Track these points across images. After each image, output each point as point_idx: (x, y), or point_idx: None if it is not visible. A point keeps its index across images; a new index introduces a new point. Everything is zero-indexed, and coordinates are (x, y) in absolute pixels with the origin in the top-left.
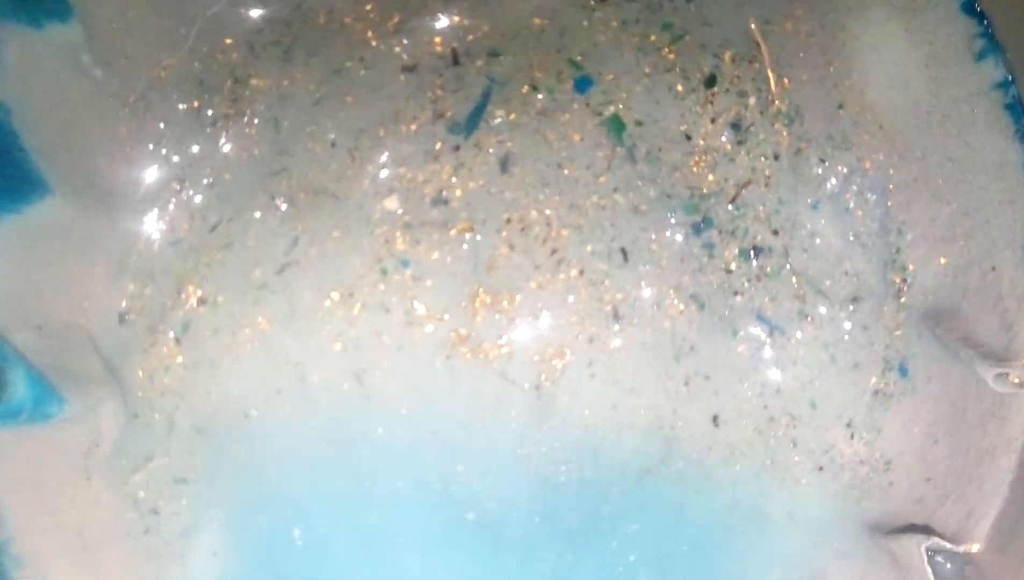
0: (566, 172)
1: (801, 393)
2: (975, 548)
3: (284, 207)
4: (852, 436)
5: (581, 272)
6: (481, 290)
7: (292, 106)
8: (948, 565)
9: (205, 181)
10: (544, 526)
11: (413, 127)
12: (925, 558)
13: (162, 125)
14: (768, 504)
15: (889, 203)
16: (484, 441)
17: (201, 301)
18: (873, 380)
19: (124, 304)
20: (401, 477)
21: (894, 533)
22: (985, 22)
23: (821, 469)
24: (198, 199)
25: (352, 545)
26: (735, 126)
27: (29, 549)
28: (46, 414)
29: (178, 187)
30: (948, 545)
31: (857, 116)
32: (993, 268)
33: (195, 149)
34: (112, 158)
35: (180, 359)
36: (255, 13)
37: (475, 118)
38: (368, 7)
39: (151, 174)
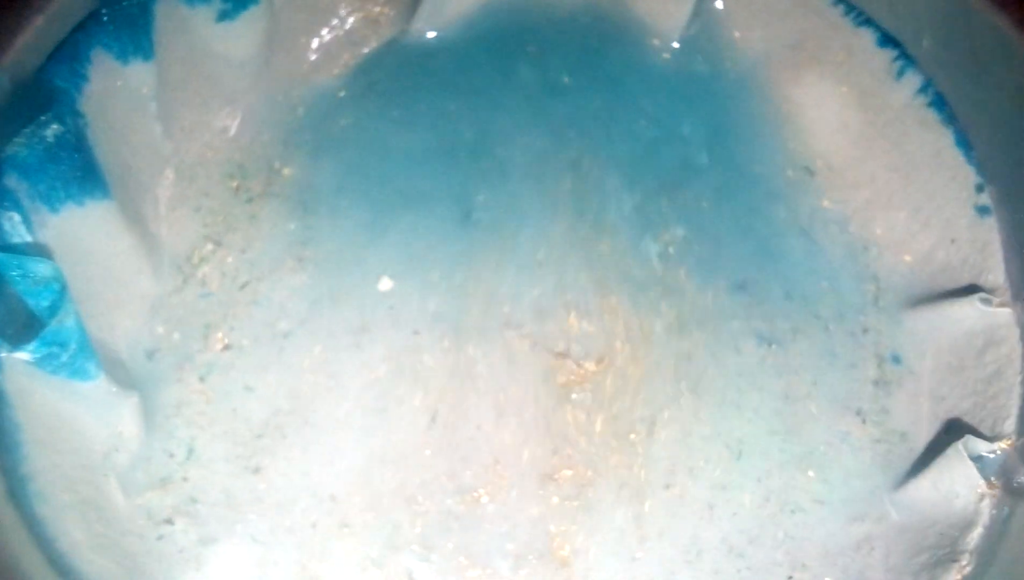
0: None
1: (813, 390)
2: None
3: (310, 269)
4: (864, 422)
5: None
6: None
7: (317, 191)
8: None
9: (238, 246)
10: None
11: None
12: (965, 453)
13: (204, 197)
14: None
15: (851, 229)
16: None
17: (226, 347)
18: (871, 373)
19: (152, 344)
20: None
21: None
22: (899, 46)
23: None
24: (230, 260)
25: None
26: None
27: (50, 494)
28: (84, 369)
29: (212, 248)
30: (984, 446)
31: (809, 164)
32: (953, 240)
33: (232, 218)
34: (157, 206)
35: (203, 396)
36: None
37: None
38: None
39: (190, 232)
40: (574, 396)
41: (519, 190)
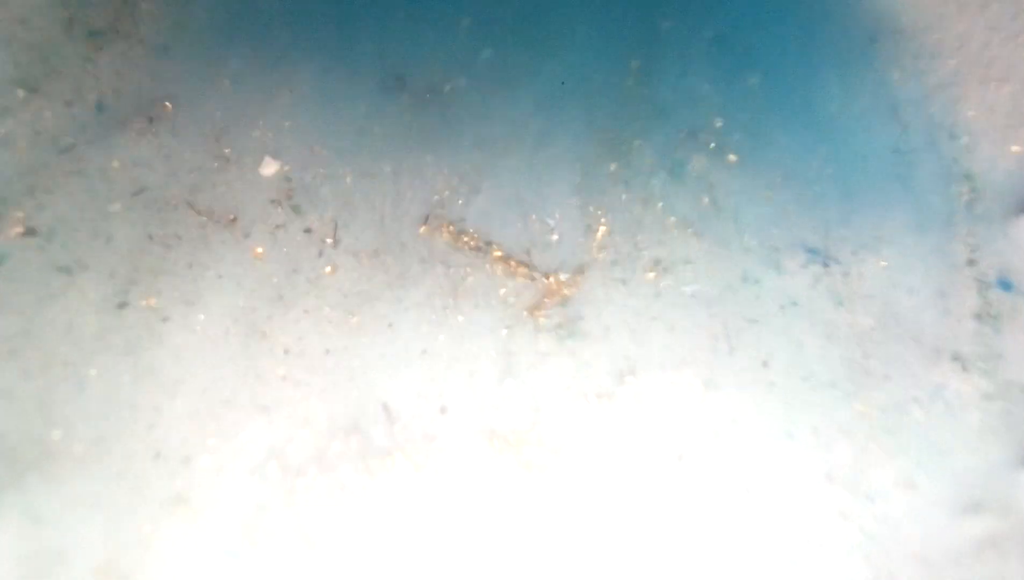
0: None
1: (887, 327)
2: None
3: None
4: (965, 369)
5: None
6: None
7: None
8: None
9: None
10: None
11: None
12: None
13: (19, 25)
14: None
15: (931, 110)
16: None
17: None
18: (970, 303)
19: None
20: None
21: None
22: None
23: (930, 415)
24: (48, 114)
25: None
26: None
27: None
28: None
29: (24, 96)
30: None
31: (872, 23)
32: None
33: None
34: None
35: None
36: None
37: None
38: None
39: None
40: None
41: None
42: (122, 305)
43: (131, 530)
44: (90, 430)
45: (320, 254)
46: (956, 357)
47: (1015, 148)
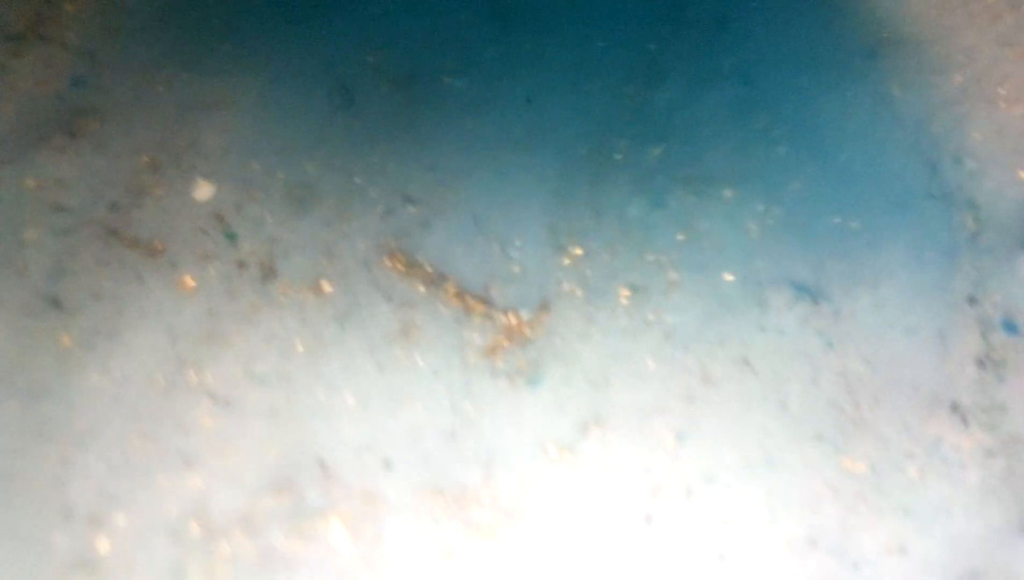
0: None
1: (879, 371)
2: None
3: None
4: (965, 422)
5: None
6: None
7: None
8: None
9: None
10: None
11: None
12: None
13: None
14: (863, 540)
15: (933, 130)
16: None
17: None
18: (972, 347)
19: None
20: None
21: None
22: None
23: (925, 473)
24: None
25: None
26: None
27: None
28: None
29: None
30: None
31: (873, 35)
32: None
33: None
34: None
35: None
36: None
37: None
38: None
39: None
40: None
41: None
42: (31, 345)
43: None
44: None
45: (255, 288)
46: (955, 407)
47: (1023, 175)
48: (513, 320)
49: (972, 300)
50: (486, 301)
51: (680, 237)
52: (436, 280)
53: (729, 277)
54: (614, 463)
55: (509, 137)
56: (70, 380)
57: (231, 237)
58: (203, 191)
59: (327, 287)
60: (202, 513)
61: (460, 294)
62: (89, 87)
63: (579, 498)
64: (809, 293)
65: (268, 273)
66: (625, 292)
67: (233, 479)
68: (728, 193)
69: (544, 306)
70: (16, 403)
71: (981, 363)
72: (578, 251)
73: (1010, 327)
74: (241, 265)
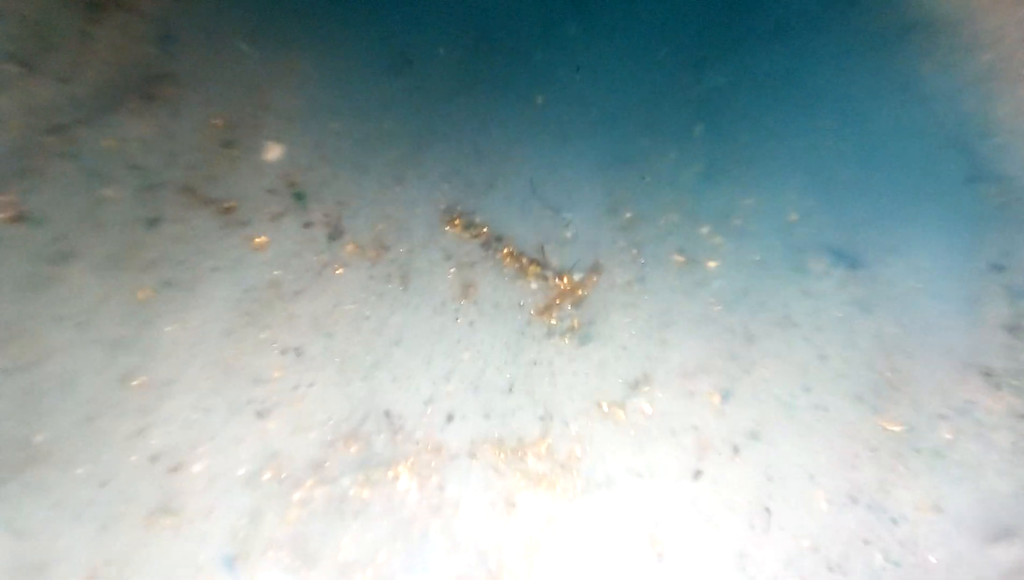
0: None
1: (911, 336)
2: None
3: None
4: (998, 387)
5: None
6: None
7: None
8: None
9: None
10: None
11: None
12: None
13: None
14: (900, 497)
15: (963, 105)
16: None
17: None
18: (1001, 313)
19: None
20: None
21: None
22: None
23: (958, 434)
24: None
25: None
26: None
27: None
28: None
29: (17, 72)
30: None
31: (905, 13)
32: None
33: (55, 31)
34: None
35: None
36: None
37: None
38: None
39: None
40: None
41: None
42: (110, 298)
43: (116, 542)
44: (76, 433)
45: (323, 247)
46: (987, 372)
47: None
48: (566, 280)
49: (999, 268)
50: (541, 262)
51: (725, 206)
52: (493, 242)
53: (772, 244)
54: (663, 420)
55: (565, 103)
56: (149, 331)
57: (299, 197)
58: (273, 152)
59: (391, 245)
60: (275, 462)
61: (516, 255)
62: (164, 53)
63: (630, 453)
64: (846, 260)
65: (335, 232)
66: (676, 257)
67: (304, 429)
68: (770, 165)
69: (596, 268)
70: (98, 351)
71: (1011, 329)
72: (629, 215)
73: None
74: (309, 224)
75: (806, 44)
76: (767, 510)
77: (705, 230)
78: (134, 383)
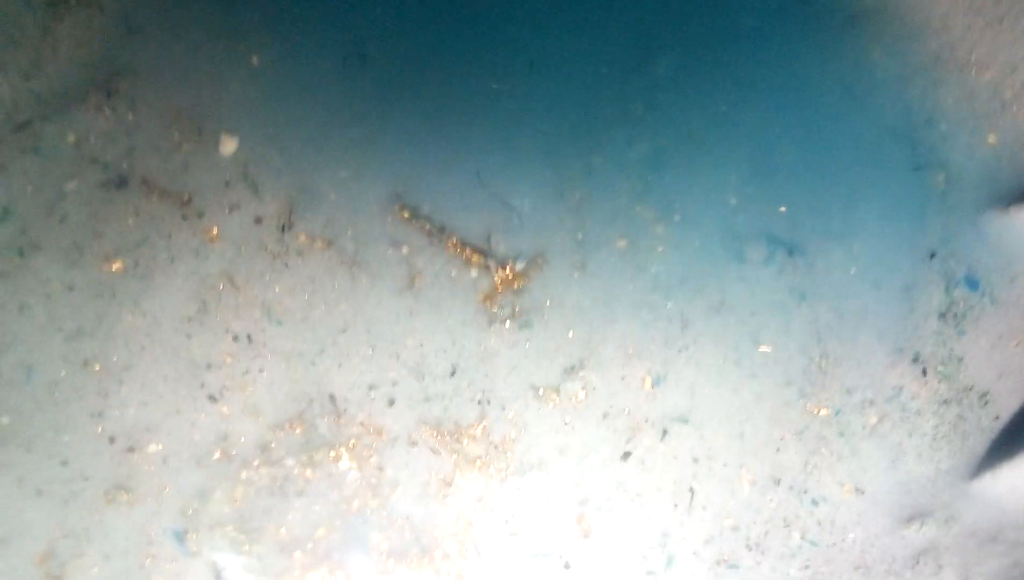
0: None
1: (847, 322)
2: None
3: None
4: (924, 373)
5: None
6: None
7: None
8: None
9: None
10: None
11: None
12: None
13: None
14: (822, 479)
15: (909, 93)
16: None
17: None
18: (935, 301)
19: None
20: None
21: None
22: None
23: (884, 419)
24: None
25: None
26: None
27: None
28: None
29: None
30: None
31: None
32: None
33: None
34: None
35: None
36: None
37: None
38: None
39: None
40: None
41: None
42: (72, 287)
43: (75, 517)
44: (39, 415)
45: (275, 237)
46: (917, 359)
47: (992, 138)
48: (509, 268)
49: (937, 256)
50: (485, 251)
51: (669, 190)
52: (439, 231)
53: (712, 230)
54: (596, 404)
55: (513, 95)
56: (108, 318)
57: (253, 188)
58: (228, 145)
59: (340, 235)
60: (225, 443)
61: (461, 244)
62: (124, 48)
63: (563, 437)
64: (785, 246)
65: (287, 223)
66: (619, 241)
67: (252, 412)
68: (713, 153)
69: (541, 254)
70: (60, 339)
71: (943, 316)
72: (573, 203)
73: (972, 283)
74: (262, 214)
75: (753, 31)
76: (691, 491)
77: (649, 215)
78: (95, 368)
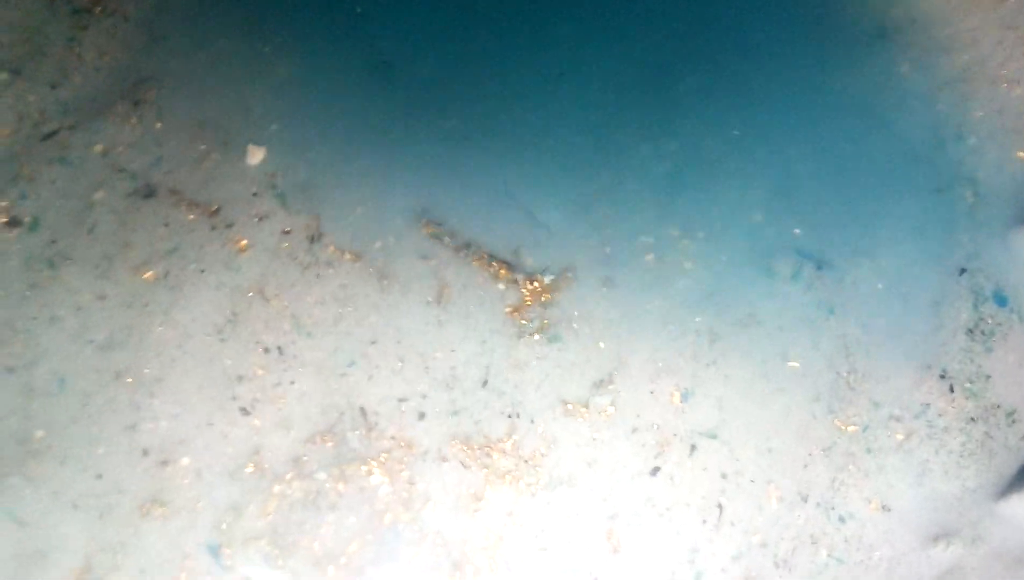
0: None
1: (874, 338)
2: None
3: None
4: (952, 390)
5: None
6: None
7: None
8: None
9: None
10: None
11: None
12: None
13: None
14: (849, 496)
15: (939, 108)
16: None
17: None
18: (963, 317)
19: None
20: None
21: None
22: None
23: (911, 436)
24: (31, 98)
25: None
26: None
27: None
28: None
29: (7, 79)
30: None
31: (884, 16)
32: None
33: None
34: None
35: None
36: None
37: None
38: None
39: None
40: None
41: None
42: (103, 297)
43: (111, 530)
44: (73, 429)
45: (304, 248)
46: (944, 375)
47: (1022, 153)
48: (538, 281)
49: (966, 272)
50: (512, 264)
51: (696, 205)
52: (466, 245)
53: (740, 245)
54: (625, 418)
55: (543, 108)
56: (139, 330)
57: (281, 199)
58: (255, 156)
59: (369, 247)
60: (257, 456)
61: (489, 257)
62: (149, 57)
63: (592, 451)
64: (813, 261)
65: (315, 234)
66: (645, 257)
67: (284, 425)
68: (742, 166)
69: (568, 268)
70: (91, 350)
71: (971, 333)
72: (599, 217)
73: (1000, 299)
74: (291, 226)
75: (781, 46)
76: (720, 507)
77: (676, 230)
78: (127, 380)
